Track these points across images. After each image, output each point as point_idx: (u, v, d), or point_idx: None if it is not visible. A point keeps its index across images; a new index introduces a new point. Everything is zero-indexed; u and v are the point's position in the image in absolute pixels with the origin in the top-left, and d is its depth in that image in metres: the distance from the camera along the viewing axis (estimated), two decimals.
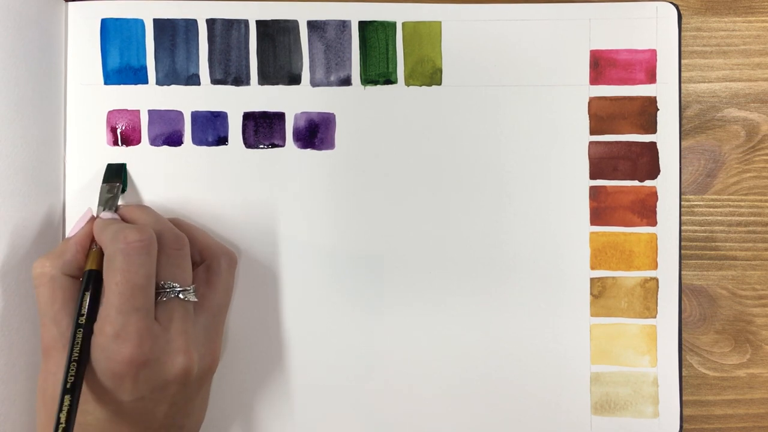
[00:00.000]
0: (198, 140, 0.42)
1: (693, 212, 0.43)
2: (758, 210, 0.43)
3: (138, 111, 0.42)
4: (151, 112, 0.42)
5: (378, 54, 0.42)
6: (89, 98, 0.41)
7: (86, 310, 0.33)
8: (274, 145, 0.42)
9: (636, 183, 0.42)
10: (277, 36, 0.42)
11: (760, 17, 0.43)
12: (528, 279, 0.42)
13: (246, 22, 0.42)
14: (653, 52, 0.42)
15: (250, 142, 0.42)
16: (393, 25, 0.42)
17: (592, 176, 0.42)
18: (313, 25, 0.42)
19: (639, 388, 0.42)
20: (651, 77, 0.42)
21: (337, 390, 0.41)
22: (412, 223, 0.42)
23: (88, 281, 0.34)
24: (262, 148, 0.42)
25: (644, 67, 0.42)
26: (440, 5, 0.42)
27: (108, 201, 0.38)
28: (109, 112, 0.41)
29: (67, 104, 0.41)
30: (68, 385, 0.31)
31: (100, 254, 0.35)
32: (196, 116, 0.42)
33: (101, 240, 0.34)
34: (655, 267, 0.42)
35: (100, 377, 0.32)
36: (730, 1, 0.43)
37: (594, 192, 0.42)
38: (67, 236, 0.36)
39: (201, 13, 0.42)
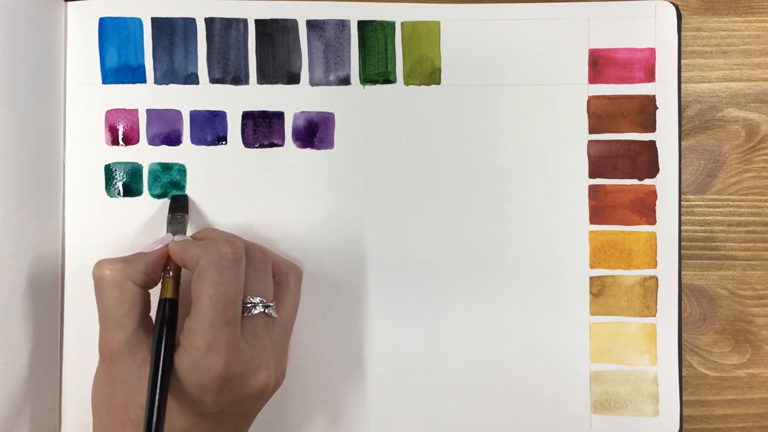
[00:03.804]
0: (197, 140, 0.42)
1: (693, 212, 0.43)
2: (758, 210, 0.43)
3: (136, 110, 0.42)
4: (149, 112, 0.42)
5: (377, 53, 0.42)
6: (88, 98, 0.41)
7: (167, 340, 0.32)
8: (273, 145, 0.42)
9: (635, 182, 0.42)
10: (276, 35, 0.42)
11: (760, 17, 0.43)
12: (527, 278, 0.42)
13: (245, 21, 0.42)
14: (652, 51, 0.42)
15: (249, 142, 0.42)
16: (392, 24, 0.42)
17: (592, 175, 0.42)
18: (312, 25, 0.42)
19: (639, 386, 0.42)
20: (650, 76, 0.42)
21: (331, 388, 0.41)
22: (411, 223, 0.42)
23: (165, 309, 0.34)
24: (261, 147, 0.42)
25: (643, 65, 0.42)
26: (439, 5, 0.42)
27: (177, 229, 0.39)
28: (108, 112, 0.41)
29: (66, 104, 0.41)
30: (154, 408, 0.31)
31: (175, 283, 0.35)
32: (195, 115, 0.42)
33: (187, 255, 0.34)
34: (655, 265, 0.42)
35: (184, 389, 0.32)
36: (730, 1, 0.43)
37: (593, 191, 0.42)
38: (142, 250, 0.36)
39: (199, 12, 0.42)
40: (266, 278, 0.35)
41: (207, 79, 0.42)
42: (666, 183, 0.42)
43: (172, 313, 0.34)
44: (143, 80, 0.42)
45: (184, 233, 0.39)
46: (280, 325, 0.36)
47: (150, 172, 0.41)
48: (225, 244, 0.33)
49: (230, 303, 0.32)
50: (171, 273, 0.36)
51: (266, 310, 0.34)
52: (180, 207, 0.40)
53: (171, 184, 0.41)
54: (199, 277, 0.33)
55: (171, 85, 0.42)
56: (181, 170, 0.42)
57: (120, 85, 0.42)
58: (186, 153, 0.42)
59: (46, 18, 0.40)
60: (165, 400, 0.31)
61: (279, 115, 0.42)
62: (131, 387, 0.32)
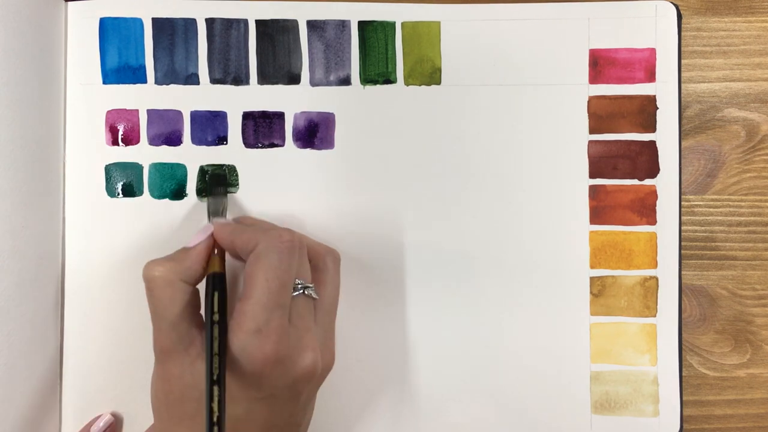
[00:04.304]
0: (197, 140, 0.42)
1: (693, 212, 0.43)
2: (758, 210, 0.43)
3: (137, 111, 0.42)
4: (150, 112, 0.42)
5: (377, 54, 0.42)
6: (88, 98, 0.41)
7: (219, 308, 0.33)
8: (273, 145, 0.42)
9: (635, 182, 0.42)
10: (276, 35, 0.42)
11: (760, 17, 0.43)
12: (528, 278, 0.42)
13: (245, 22, 0.42)
14: (652, 51, 0.42)
15: (249, 142, 0.42)
16: (392, 24, 0.42)
17: (592, 175, 0.42)
18: (312, 25, 0.42)
19: (639, 386, 0.42)
20: (650, 76, 0.42)
21: (330, 387, 0.41)
22: (411, 223, 0.42)
23: (215, 282, 0.34)
24: (261, 147, 0.42)
25: (643, 66, 0.42)
26: (439, 5, 0.42)
27: (217, 211, 0.39)
28: (108, 112, 0.41)
29: (67, 104, 0.41)
30: (215, 377, 0.31)
31: (221, 260, 0.35)
32: (196, 116, 0.42)
33: (241, 239, 0.34)
34: (655, 266, 0.42)
35: (235, 374, 0.32)
36: (730, 1, 0.43)
37: (593, 191, 0.42)
38: (185, 246, 0.36)
39: (200, 12, 0.42)
40: (303, 261, 0.36)
41: (207, 79, 0.42)
42: (666, 183, 0.42)
43: (222, 285, 0.34)
44: (144, 80, 0.42)
45: (225, 212, 0.39)
46: (323, 307, 0.36)
47: (150, 173, 0.41)
48: (285, 231, 0.34)
49: (284, 288, 0.33)
50: (216, 251, 0.36)
51: (305, 291, 0.34)
52: (219, 184, 0.40)
53: (172, 185, 0.42)
54: (257, 260, 0.33)
55: (171, 85, 0.42)
56: (182, 170, 0.42)
57: (120, 85, 0.42)
58: (186, 153, 0.42)
59: (46, 18, 0.40)
60: (224, 375, 0.31)
61: (279, 116, 0.42)
62: (186, 382, 0.33)
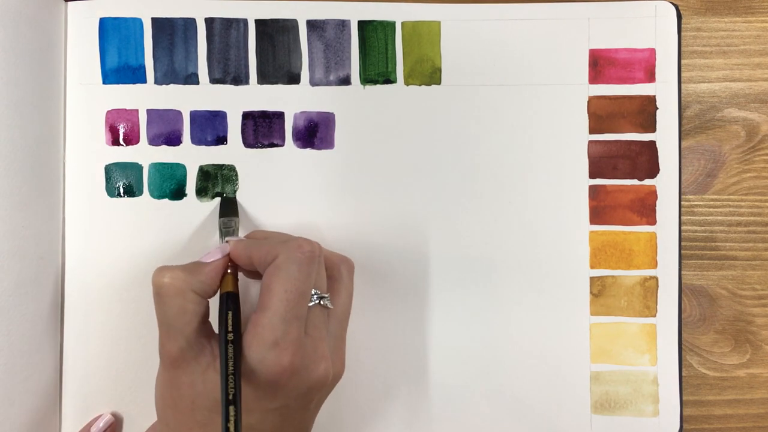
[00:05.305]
0: (197, 140, 0.42)
1: (693, 212, 0.43)
2: (758, 210, 0.43)
3: (137, 111, 0.42)
4: (149, 112, 0.42)
5: (377, 53, 0.42)
6: (88, 98, 0.41)
7: (233, 328, 0.32)
8: (273, 145, 0.42)
9: (635, 182, 0.42)
10: (276, 35, 0.42)
11: (760, 17, 0.43)
12: (528, 278, 0.42)
13: (245, 21, 0.42)
14: (652, 51, 0.42)
15: (249, 142, 0.42)
16: (392, 24, 0.42)
17: (592, 175, 0.42)
18: (312, 25, 0.42)
19: (639, 386, 0.42)
20: (650, 76, 0.42)
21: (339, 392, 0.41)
22: (410, 223, 0.42)
23: (228, 301, 0.34)
24: (261, 147, 0.42)
25: (643, 66, 0.42)
26: (439, 5, 0.42)
27: (229, 233, 0.39)
28: (108, 112, 0.41)
29: (67, 104, 0.41)
30: (230, 397, 0.31)
31: (234, 279, 0.35)
32: (195, 116, 0.42)
33: (259, 252, 0.34)
34: (655, 266, 0.42)
35: (250, 385, 0.32)
36: (730, 1, 0.43)
37: (593, 191, 0.42)
38: (200, 260, 0.35)
39: (200, 12, 0.42)
40: (320, 271, 0.35)
41: (207, 79, 0.42)
42: (666, 183, 0.42)
43: (236, 306, 0.34)
44: (143, 80, 0.42)
45: (236, 233, 0.39)
46: (336, 317, 0.36)
47: (150, 173, 0.41)
48: (305, 241, 0.34)
49: (303, 299, 0.33)
50: (230, 270, 0.36)
51: (321, 302, 0.34)
52: (231, 211, 0.40)
53: (172, 185, 0.42)
54: (277, 270, 0.33)
55: (171, 85, 0.42)
56: (182, 170, 0.42)
57: (120, 85, 0.42)
58: (186, 153, 0.42)
59: (46, 18, 0.40)
60: (239, 394, 0.31)
61: (279, 115, 0.42)
62: (196, 391, 0.33)
